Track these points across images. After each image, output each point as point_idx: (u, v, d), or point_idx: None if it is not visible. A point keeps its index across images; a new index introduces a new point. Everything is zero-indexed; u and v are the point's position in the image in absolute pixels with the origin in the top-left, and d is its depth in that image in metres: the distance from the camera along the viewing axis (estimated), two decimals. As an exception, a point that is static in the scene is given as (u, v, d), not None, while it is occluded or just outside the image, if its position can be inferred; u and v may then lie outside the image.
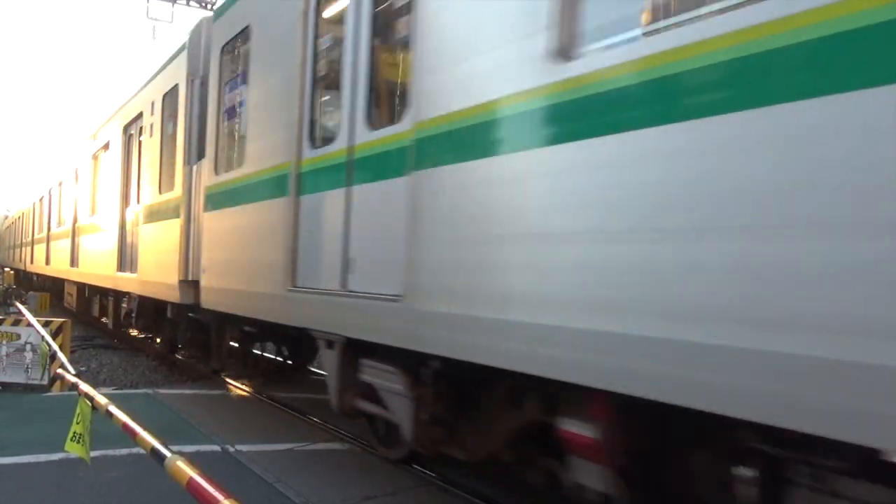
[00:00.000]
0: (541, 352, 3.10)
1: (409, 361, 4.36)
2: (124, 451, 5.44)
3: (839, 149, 2.09)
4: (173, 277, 8.42)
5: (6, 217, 46.06)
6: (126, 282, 11.12)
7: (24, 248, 29.51)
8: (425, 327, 3.91)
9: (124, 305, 12.58)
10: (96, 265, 13.39)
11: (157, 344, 12.20)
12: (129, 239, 11.25)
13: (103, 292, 14.29)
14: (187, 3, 23.26)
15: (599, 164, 2.87)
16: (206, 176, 7.60)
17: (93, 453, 4.65)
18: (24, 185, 33.96)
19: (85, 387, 4.78)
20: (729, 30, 2.42)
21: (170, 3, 23.19)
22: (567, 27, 3.08)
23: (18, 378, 8.64)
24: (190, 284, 8.07)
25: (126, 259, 11.30)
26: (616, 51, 2.94)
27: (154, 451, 3.46)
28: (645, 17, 3.10)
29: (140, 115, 10.93)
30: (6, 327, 8.88)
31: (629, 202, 2.73)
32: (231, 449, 5.99)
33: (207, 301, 7.40)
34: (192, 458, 3.21)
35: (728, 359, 2.35)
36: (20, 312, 12.70)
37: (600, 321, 2.80)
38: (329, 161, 5.14)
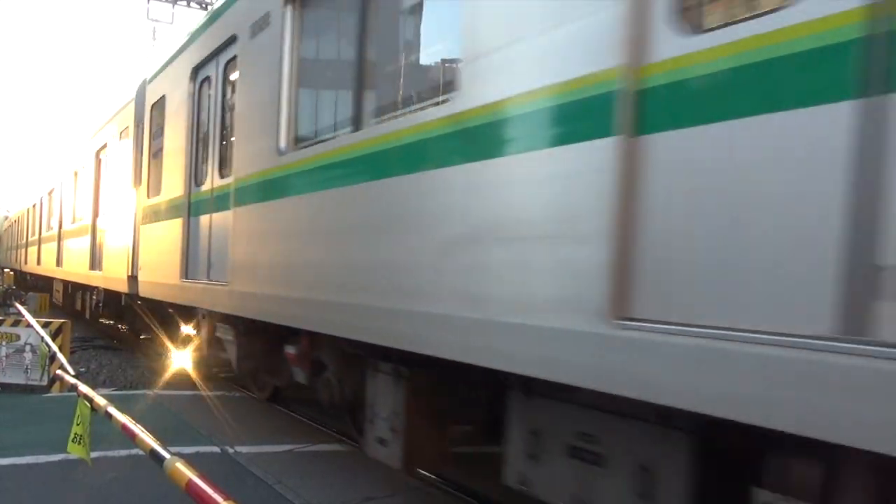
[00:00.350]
0: (284, 311, 5.72)
1: (237, 322, 7.10)
2: (124, 453, 5.45)
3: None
4: (124, 274, 11.04)
5: (6, 218, 46.55)
6: (95, 278, 13.86)
7: (19, 250, 32.56)
8: (238, 300, 6.60)
9: (94, 297, 15.39)
10: (75, 265, 16.09)
11: (124, 329, 14.90)
12: (98, 243, 13.91)
13: (82, 288, 17.00)
14: (188, 5, 23.64)
15: (302, 209, 5.50)
16: (143, 197, 10.33)
17: (92, 454, 4.72)
18: (25, 186, 35.66)
19: (84, 388, 4.88)
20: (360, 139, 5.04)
21: (170, 5, 23.57)
22: (283, 137, 5.80)
23: (18, 379, 8.69)
24: (135, 279, 10.62)
25: (96, 259, 13.94)
26: (303, 152, 5.62)
27: (153, 453, 3.53)
28: (316, 136, 5.80)
29: (107, 144, 13.71)
30: (6, 328, 8.95)
31: (302, 230, 5.40)
32: (230, 450, 6.09)
33: (142, 291, 10.07)
34: (191, 460, 3.26)
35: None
36: (20, 313, 13.08)
37: (297, 292, 5.41)
38: (203, 196, 7.85)
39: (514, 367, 3.32)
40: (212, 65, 7.75)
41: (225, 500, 2.72)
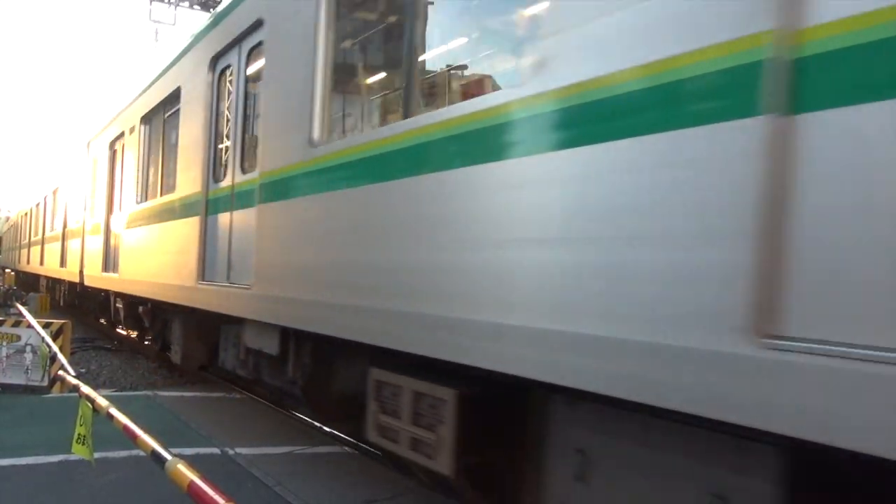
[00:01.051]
0: (138, 289, 10.17)
1: (124, 297, 11.77)
2: (124, 454, 5.47)
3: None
4: (77, 270, 15.49)
5: (6, 220, 48.73)
6: (63, 273, 18.46)
7: (14, 251, 37.90)
8: (122, 284, 11.19)
9: (63, 288, 20.36)
10: (52, 263, 20.66)
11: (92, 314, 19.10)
12: (66, 246, 18.29)
13: (58, 282, 21.71)
14: (190, 6, 24.00)
15: (146, 232, 10.15)
16: (88, 216, 14.93)
17: (93, 455, 4.71)
18: (27, 186, 38.69)
19: (86, 389, 4.88)
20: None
21: (172, 7, 23.98)
22: (139, 193, 10.55)
23: (18, 379, 8.76)
24: (82, 273, 14.98)
25: (65, 259, 18.38)
26: (145, 203, 10.26)
27: (154, 454, 3.54)
28: (150, 196, 10.40)
29: (72, 175, 18.14)
30: (6, 328, 9.06)
31: (147, 244, 10.12)
32: (231, 452, 6.08)
33: (86, 281, 14.64)
34: (191, 461, 3.27)
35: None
36: (20, 313, 13.62)
37: (142, 277, 10.00)
38: (114, 219, 12.42)
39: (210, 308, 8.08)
40: (119, 142, 12.47)
41: (226, 502, 2.72)
